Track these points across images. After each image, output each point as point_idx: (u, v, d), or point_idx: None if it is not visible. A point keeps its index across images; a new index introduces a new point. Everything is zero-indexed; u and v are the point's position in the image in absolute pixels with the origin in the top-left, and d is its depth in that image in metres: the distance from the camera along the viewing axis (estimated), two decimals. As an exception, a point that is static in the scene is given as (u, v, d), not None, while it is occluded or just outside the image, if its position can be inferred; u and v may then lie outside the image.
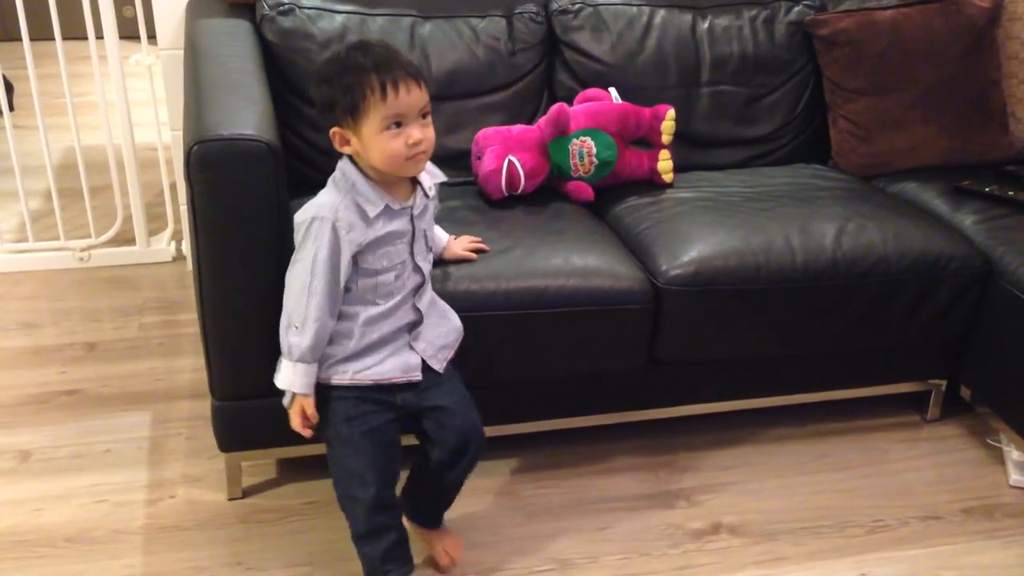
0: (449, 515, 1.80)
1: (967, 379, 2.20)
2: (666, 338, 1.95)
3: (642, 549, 1.85)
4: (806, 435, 2.20)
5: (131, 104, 2.73)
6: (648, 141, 2.23)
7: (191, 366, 2.38)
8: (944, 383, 2.23)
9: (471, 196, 2.15)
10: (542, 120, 2.20)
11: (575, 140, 2.15)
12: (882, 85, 2.37)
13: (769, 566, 1.83)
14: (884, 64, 2.37)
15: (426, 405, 1.63)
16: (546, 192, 2.18)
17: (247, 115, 1.72)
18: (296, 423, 1.57)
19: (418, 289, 1.60)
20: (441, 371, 1.64)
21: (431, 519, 1.78)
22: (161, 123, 2.85)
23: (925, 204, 2.26)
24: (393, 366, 1.59)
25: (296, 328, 1.51)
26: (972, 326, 2.09)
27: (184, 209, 2.71)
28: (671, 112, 2.20)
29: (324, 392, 1.58)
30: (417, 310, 1.60)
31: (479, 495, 1.96)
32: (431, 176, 1.61)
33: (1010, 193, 2.21)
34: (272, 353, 1.79)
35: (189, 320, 2.58)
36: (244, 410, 1.86)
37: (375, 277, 1.54)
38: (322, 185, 2.16)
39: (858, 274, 1.98)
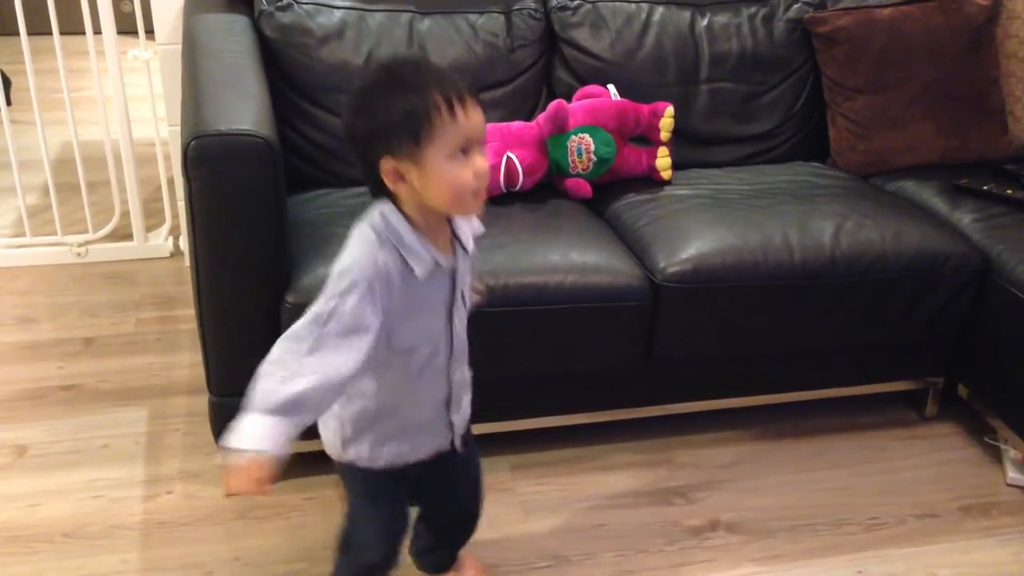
0: None
1: (965, 377, 2.20)
2: (664, 335, 1.95)
3: (639, 546, 1.86)
4: (804, 433, 2.20)
5: (129, 99, 2.73)
6: (647, 138, 2.23)
7: (188, 362, 2.38)
8: (942, 381, 2.23)
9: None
10: (541, 117, 2.19)
11: (574, 137, 2.15)
12: (881, 83, 2.37)
13: (766, 563, 1.83)
14: (883, 62, 2.37)
15: (439, 483, 1.52)
16: (544, 189, 2.18)
17: (245, 110, 1.72)
18: (243, 485, 1.20)
19: (449, 358, 1.37)
20: (462, 449, 1.48)
21: (448, 562, 1.72)
22: (159, 118, 2.84)
23: (923, 202, 2.26)
24: (429, 447, 1.43)
25: (280, 380, 1.20)
26: (970, 324, 2.09)
27: (182, 205, 2.70)
28: (670, 109, 2.19)
29: (349, 468, 1.43)
30: (450, 383, 1.40)
31: (476, 492, 1.96)
32: (469, 226, 1.35)
33: (1008, 191, 2.21)
34: (269, 350, 1.79)
35: (186, 316, 2.58)
36: (242, 406, 1.85)
37: (408, 355, 1.32)
38: (320, 181, 2.17)
39: (856, 272, 1.98)
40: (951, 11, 2.39)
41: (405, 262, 1.24)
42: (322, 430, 1.44)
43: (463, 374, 1.42)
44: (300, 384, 1.19)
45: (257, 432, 1.20)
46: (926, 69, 2.38)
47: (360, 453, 1.40)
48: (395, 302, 1.24)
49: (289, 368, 1.20)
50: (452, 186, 1.20)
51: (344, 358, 1.21)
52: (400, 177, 1.22)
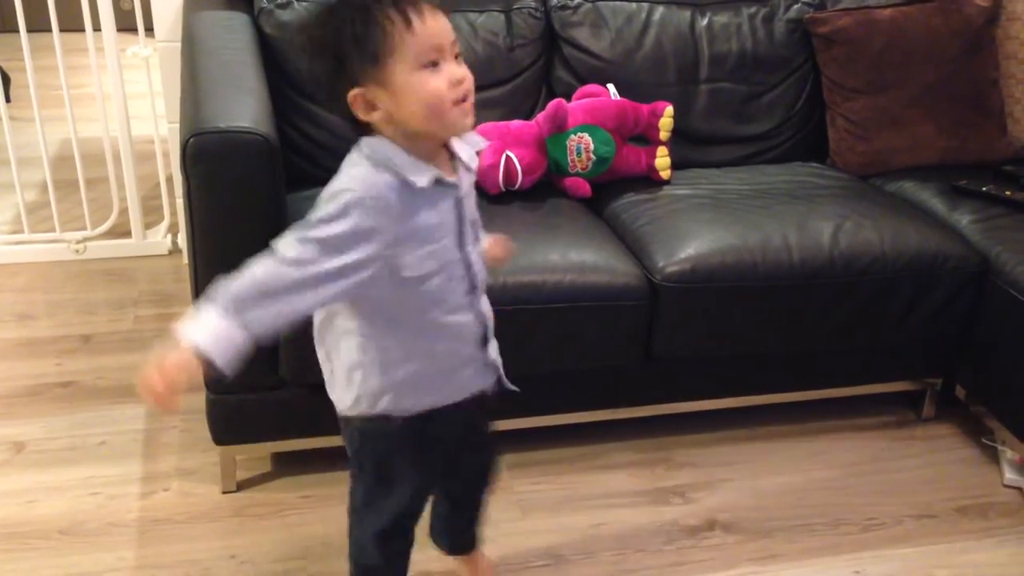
0: None
1: (962, 378, 2.20)
2: (662, 335, 1.95)
3: (637, 545, 1.85)
4: (802, 433, 2.20)
5: (128, 96, 2.73)
6: (646, 138, 2.23)
7: (186, 359, 2.37)
8: (939, 382, 2.23)
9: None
10: (540, 116, 2.19)
11: (573, 136, 2.15)
12: (880, 84, 2.37)
13: (764, 563, 1.83)
14: (883, 63, 2.37)
15: (467, 438, 1.45)
16: (543, 188, 2.18)
17: (244, 108, 1.72)
18: (155, 381, 1.09)
19: (472, 291, 1.30)
20: (509, 387, 1.40)
21: (469, 534, 1.66)
22: (158, 116, 2.84)
23: (922, 203, 2.26)
24: (470, 387, 1.34)
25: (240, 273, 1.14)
26: (968, 325, 2.09)
27: (180, 202, 2.70)
28: (669, 109, 2.19)
29: (371, 423, 1.32)
30: (480, 315, 1.31)
31: (474, 490, 1.96)
32: (468, 144, 1.26)
33: (1007, 193, 2.21)
34: (266, 347, 1.79)
35: (184, 313, 2.57)
36: (239, 403, 1.86)
37: (420, 285, 1.22)
38: (319, 179, 2.17)
39: (855, 272, 1.98)
40: (951, 12, 2.39)
41: (402, 180, 1.15)
42: (341, 386, 1.32)
43: (487, 306, 1.34)
44: (259, 270, 1.12)
45: (199, 324, 1.11)
46: (926, 70, 2.38)
47: (392, 402, 1.28)
48: (396, 227, 1.15)
49: (258, 279, 1.13)
50: (426, 99, 1.12)
51: (321, 265, 1.12)
52: (372, 106, 1.14)
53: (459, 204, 1.23)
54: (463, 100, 1.15)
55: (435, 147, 1.21)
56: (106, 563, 1.76)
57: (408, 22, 1.11)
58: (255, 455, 2.00)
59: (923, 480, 2.07)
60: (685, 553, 1.84)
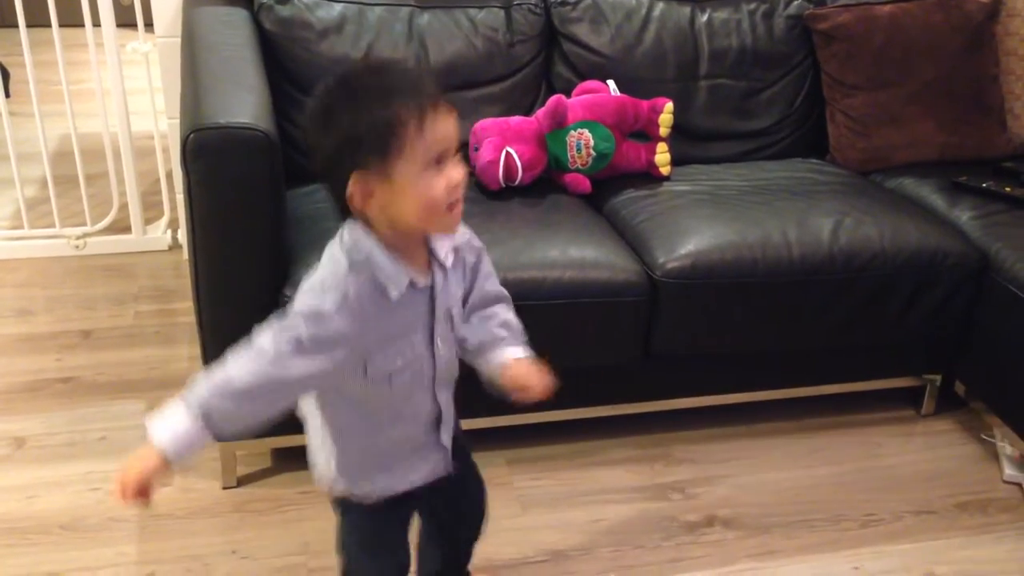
0: None
1: (962, 375, 2.20)
2: (662, 331, 1.95)
3: (636, 541, 1.86)
4: (801, 429, 2.20)
5: (128, 92, 2.72)
6: (646, 134, 2.23)
7: (186, 355, 2.38)
8: (939, 378, 2.24)
9: (468, 187, 2.14)
10: (540, 112, 2.19)
11: (573, 132, 2.15)
12: (880, 80, 2.37)
13: (763, 559, 1.83)
14: (882, 59, 2.37)
15: (440, 501, 1.47)
16: (543, 184, 2.18)
17: (244, 104, 1.72)
18: (127, 483, 1.13)
19: (434, 380, 1.30)
20: (455, 469, 1.40)
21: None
22: (158, 111, 2.84)
23: (922, 199, 2.26)
24: (422, 473, 1.35)
25: (210, 373, 1.16)
26: (968, 322, 2.09)
27: (180, 198, 2.70)
28: (669, 105, 2.19)
29: (343, 500, 1.36)
30: (437, 403, 1.32)
31: (474, 486, 1.96)
32: (449, 240, 1.25)
33: (1007, 189, 2.21)
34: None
35: (184, 309, 2.58)
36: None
37: (389, 382, 1.24)
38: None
39: (855, 269, 1.98)
40: (951, 8, 2.39)
41: (378, 285, 1.17)
42: (314, 462, 1.36)
43: (449, 396, 1.34)
44: (232, 372, 1.15)
45: (167, 424, 1.14)
46: (925, 66, 2.37)
47: (352, 487, 1.32)
48: (368, 329, 1.17)
49: (231, 371, 1.15)
50: (423, 201, 1.13)
51: (296, 363, 1.15)
52: (369, 194, 1.14)
53: (432, 302, 1.24)
54: (456, 203, 1.16)
55: (417, 241, 1.22)
56: (106, 558, 1.76)
57: (422, 125, 1.11)
58: (255, 451, 2.00)
59: (922, 476, 2.08)
60: (684, 549, 1.85)
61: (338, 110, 1.13)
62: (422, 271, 1.22)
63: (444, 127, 1.13)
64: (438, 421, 1.34)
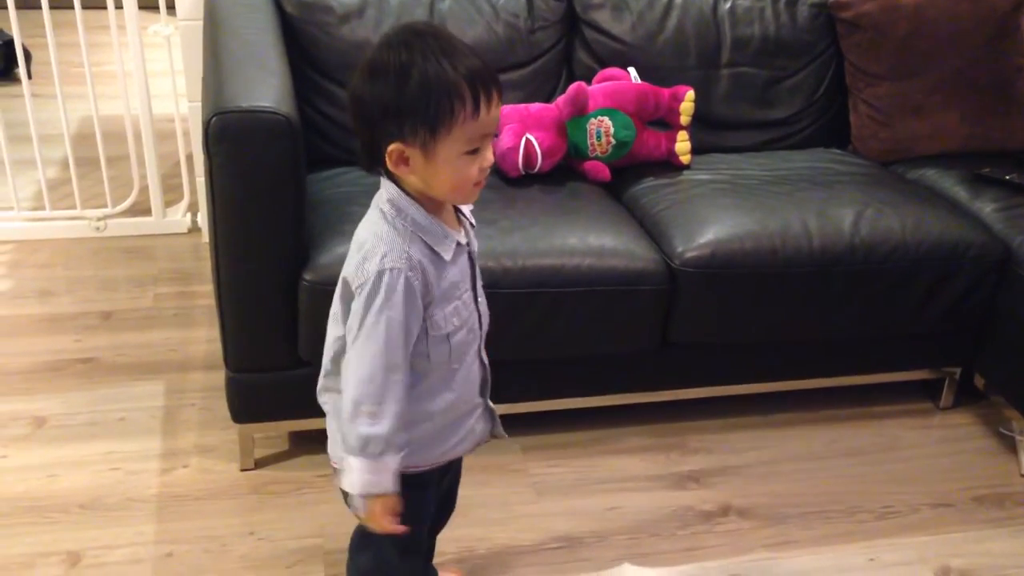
0: (460, 492, 1.77)
1: (982, 368, 2.19)
2: (680, 320, 1.95)
3: (651, 529, 1.86)
4: (818, 420, 2.20)
5: (149, 75, 2.73)
6: (666, 122, 2.22)
7: (205, 337, 2.39)
8: (958, 371, 2.22)
9: (488, 174, 2.14)
10: (560, 99, 2.19)
11: (593, 120, 2.14)
12: (904, 70, 2.35)
13: (778, 549, 1.83)
14: (907, 49, 2.34)
15: (449, 483, 1.48)
16: (563, 171, 2.17)
17: (266, 88, 1.72)
18: (386, 524, 1.24)
19: (480, 338, 1.33)
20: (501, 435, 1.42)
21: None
22: (179, 94, 2.85)
23: (944, 191, 2.24)
24: (473, 437, 1.36)
25: (369, 416, 1.18)
26: (988, 315, 2.08)
27: (200, 181, 2.71)
28: (690, 93, 2.18)
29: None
30: (483, 365, 1.33)
31: (490, 472, 1.97)
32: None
33: (1030, 181, 2.19)
34: (286, 327, 1.80)
35: (204, 292, 2.59)
36: (258, 382, 1.87)
37: (448, 342, 1.25)
38: (339, 160, 2.17)
39: (875, 260, 1.97)
40: (977, -2, 2.36)
41: (431, 249, 1.18)
42: (340, 441, 1.29)
43: (485, 356, 1.35)
44: (389, 414, 1.19)
45: (383, 478, 1.21)
46: (950, 56, 2.35)
47: (404, 459, 1.26)
48: (432, 292, 1.19)
49: (373, 400, 1.19)
50: (457, 180, 1.14)
51: (408, 369, 1.20)
52: (404, 161, 1.14)
53: (471, 259, 1.27)
54: (482, 180, 1.18)
55: (446, 204, 1.23)
56: (125, 537, 1.78)
57: (477, 110, 1.10)
58: (273, 433, 2.02)
59: (940, 469, 2.07)
60: (699, 538, 1.85)
61: (397, 67, 1.09)
62: (456, 229, 1.24)
63: (494, 113, 1.13)
64: (485, 383, 1.35)
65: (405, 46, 1.11)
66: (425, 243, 1.18)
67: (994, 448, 2.14)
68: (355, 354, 1.19)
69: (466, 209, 1.28)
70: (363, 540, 1.44)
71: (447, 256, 1.20)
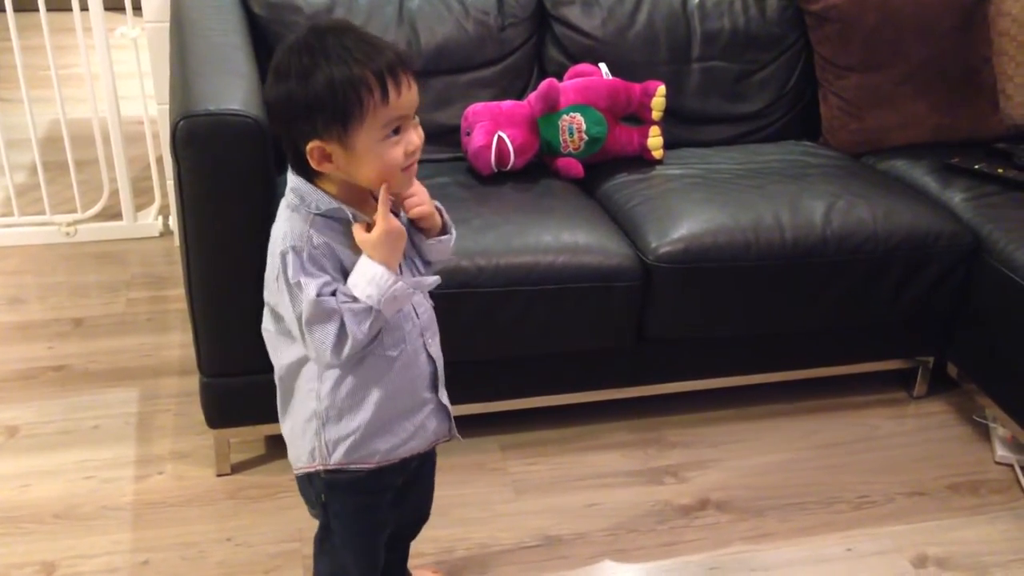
0: (439, 492, 1.71)
1: (954, 356, 2.21)
2: (655, 315, 1.95)
3: (630, 525, 1.86)
4: (794, 412, 2.21)
5: (117, 77, 2.70)
6: (638, 117, 2.22)
7: (179, 342, 2.37)
8: (932, 360, 2.24)
9: (460, 172, 2.14)
10: (532, 96, 2.18)
11: (565, 116, 2.14)
12: (873, 61, 2.37)
13: (756, 542, 1.84)
14: (875, 40, 2.36)
15: (413, 479, 1.43)
16: (536, 168, 2.17)
17: (234, 90, 1.71)
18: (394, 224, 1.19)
19: (421, 330, 1.31)
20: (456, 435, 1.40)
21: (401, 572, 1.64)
22: (147, 96, 2.82)
23: (915, 181, 2.26)
24: (424, 437, 1.34)
25: (327, 321, 1.18)
26: (960, 303, 2.10)
27: (171, 184, 2.69)
28: (661, 88, 2.18)
29: (333, 475, 1.31)
30: (431, 358, 1.32)
31: (469, 471, 1.96)
32: None
33: (999, 171, 2.21)
34: (259, 330, 1.78)
35: (177, 296, 2.57)
36: (232, 386, 1.85)
37: (386, 325, 1.24)
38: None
39: (847, 251, 1.98)
40: (943, -11, 2.38)
41: (338, 230, 1.19)
42: (296, 444, 1.33)
43: (438, 349, 1.34)
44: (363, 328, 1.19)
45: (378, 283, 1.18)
46: (918, 47, 2.37)
47: (350, 452, 1.28)
48: (348, 270, 1.19)
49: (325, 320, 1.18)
50: (381, 166, 1.15)
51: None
52: (327, 158, 1.15)
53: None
54: (411, 165, 1.18)
55: (366, 192, 1.23)
56: (101, 546, 1.76)
57: (385, 96, 1.11)
58: (249, 438, 2.00)
59: (915, 458, 2.09)
60: (678, 532, 1.85)
61: (299, 69, 1.12)
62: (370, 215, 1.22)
63: (406, 95, 1.13)
64: (435, 378, 1.34)
65: (306, 47, 1.13)
66: (332, 226, 1.18)
67: (968, 436, 2.16)
68: (304, 337, 1.20)
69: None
70: (321, 545, 1.45)
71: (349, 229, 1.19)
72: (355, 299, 1.18)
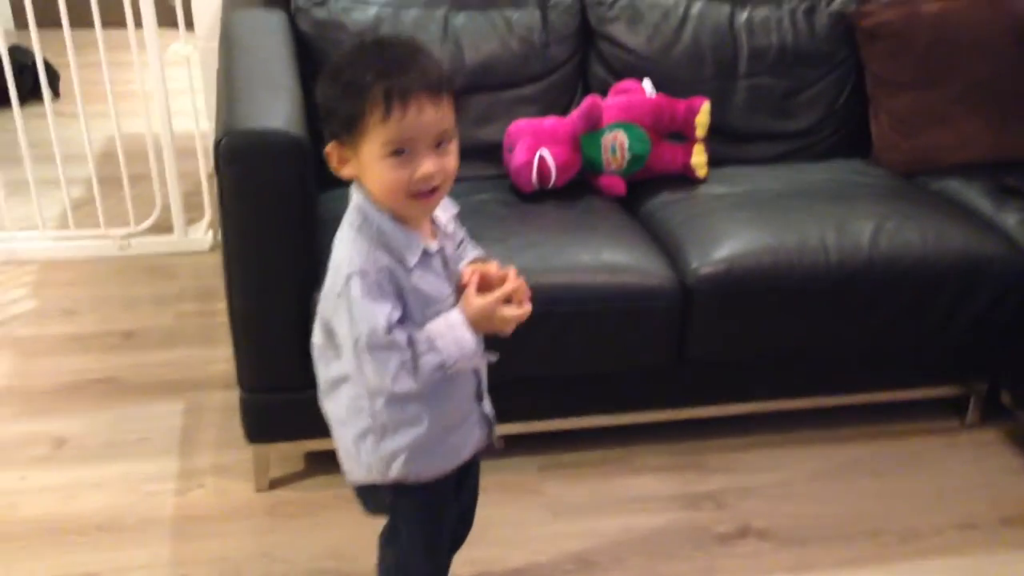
0: (477, 512, 1.69)
1: (1008, 384, 2.13)
2: (696, 337, 1.92)
3: (667, 551, 1.83)
4: (840, 439, 2.15)
5: (170, 93, 2.75)
6: (682, 135, 2.19)
7: (226, 356, 2.39)
8: (984, 388, 2.17)
9: (502, 190, 2.14)
10: (575, 113, 2.17)
11: (608, 134, 2.13)
12: (926, 79, 2.31)
13: (798, 572, 1.80)
14: (929, 57, 2.30)
15: (463, 478, 1.46)
16: (578, 186, 2.15)
17: (277, 108, 1.73)
18: (507, 311, 1.27)
19: None
20: (499, 445, 1.44)
21: None
22: (199, 112, 2.87)
23: (968, 202, 2.20)
24: (469, 447, 1.38)
25: (402, 371, 1.21)
26: (1014, 329, 2.03)
27: (220, 199, 2.72)
28: (706, 105, 2.16)
29: (395, 489, 1.35)
30: (476, 371, 1.36)
31: (505, 491, 1.95)
32: (443, 209, 1.29)
33: (1058, 192, 2.14)
34: (299, 347, 1.80)
35: (225, 309, 2.58)
36: (271, 402, 1.87)
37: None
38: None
39: (895, 275, 1.93)
40: (999, 5, 2.32)
41: (395, 254, 1.20)
42: (351, 460, 1.35)
43: (483, 365, 1.36)
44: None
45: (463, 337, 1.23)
46: (973, 65, 2.31)
47: (407, 465, 1.31)
48: (405, 296, 1.21)
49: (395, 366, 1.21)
50: (385, 184, 1.17)
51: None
52: (344, 161, 1.20)
53: (446, 266, 1.27)
54: (428, 193, 1.18)
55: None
56: (140, 559, 1.78)
57: (387, 114, 1.13)
58: (288, 454, 2.02)
59: (966, 489, 2.02)
60: (716, 560, 1.82)
61: (330, 75, 1.18)
62: (429, 237, 1.25)
63: (413, 120, 1.13)
64: (479, 389, 1.36)
65: (350, 52, 1.20)
66: (390, 249, 1.20)
67: (1022, 467, 2.09)
68: (358, 359, 1.20)
69: (443, 217, 1.29)
70: (389, 536, 1.48)
71: (411, 262, 1.21)
72: (432, 348, 1.20)
